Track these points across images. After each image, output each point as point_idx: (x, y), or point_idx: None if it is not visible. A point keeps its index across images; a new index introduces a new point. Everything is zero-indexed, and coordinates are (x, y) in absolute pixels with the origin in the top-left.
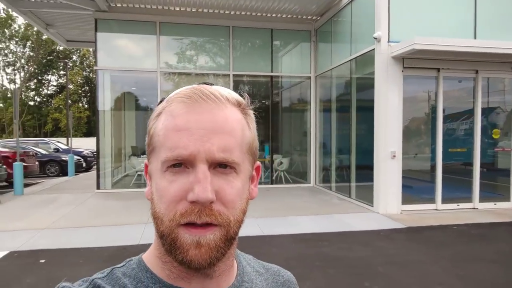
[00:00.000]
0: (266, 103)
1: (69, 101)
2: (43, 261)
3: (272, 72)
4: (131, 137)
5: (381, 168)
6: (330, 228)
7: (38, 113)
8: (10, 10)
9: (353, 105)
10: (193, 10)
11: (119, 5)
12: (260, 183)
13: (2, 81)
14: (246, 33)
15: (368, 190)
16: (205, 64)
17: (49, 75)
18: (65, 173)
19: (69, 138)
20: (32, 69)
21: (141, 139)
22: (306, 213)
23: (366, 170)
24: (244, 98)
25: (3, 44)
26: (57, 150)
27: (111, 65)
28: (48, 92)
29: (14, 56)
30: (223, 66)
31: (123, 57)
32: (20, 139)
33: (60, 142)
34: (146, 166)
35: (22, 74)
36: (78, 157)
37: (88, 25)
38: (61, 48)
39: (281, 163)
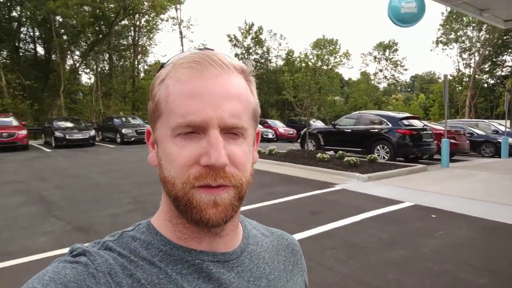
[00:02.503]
0: None
1: None
2: (434, 216)
3: None
4: None
5: None
6: None
7: (491, 95)
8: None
9: None
10: None
11: None
12: None
13: (458, 66)
14: None
15: None
16: None
17: (504, 56)
18: (500, 155)
19: (506, 121)
20: (487, 51)
21: None
22: None
23: None
24: (247, 66)
25: (461, 31)
26: (496, 132)
27: None
28: (502, 74)
29: (470, 41)
30: None
31: None
32: (462, 119)
33: (501, 124)
34: (149, 133)
35: (476, 57)
36: None
37: None
38: None
39: None
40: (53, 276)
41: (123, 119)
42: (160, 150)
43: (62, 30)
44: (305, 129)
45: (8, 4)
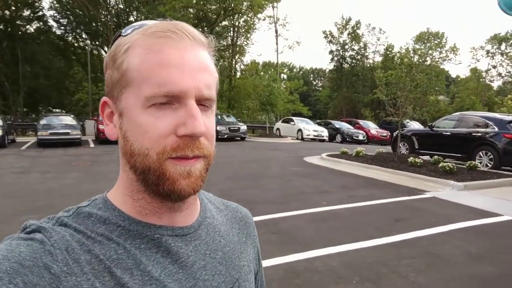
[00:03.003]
0: None
1: None
2: None
3: None
4: None
5: None
6: None
7: None
8: None
9: None
10: None
11: None
12: None
13: None
14: None
15: None
16: None
17: None
18: None
19: None
20: None
21: None
22: None
23: None
24: (209, 40)
25: None
26: None
27: None
28: None
29: None
30: None
31: None
32: None
33: None
34: (105, 104)
35: None
36: None
37: None
38: None
39: None
40: (6, 254)
41: (218, 116)
42: (126, 122)
43: None
44: (397, 131)
45: (127, 10)
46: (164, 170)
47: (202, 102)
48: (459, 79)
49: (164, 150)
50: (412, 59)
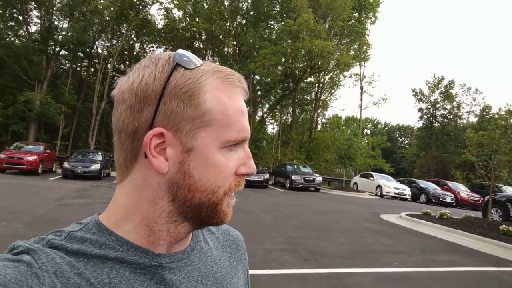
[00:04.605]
0: None
1: None
2: None
3: None
4: None
5: None
6: None
7: None
8: None
9: None
10: None
11: None
12: None
13: None
14: None
15: None
16: None
17: None
18: None
19: None
20: None
21: None
22: None
23: None
24: None
25: None
26: None
27: None
28: None
29: None
30: None
31: None
32: None
33: None
34: (161, 136)
35: None
36: None
37: None
38: None
39: None
40: None
41: (295, 166)
42: (197, 159)
43: (258, 87)
44: (489, 195)
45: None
46: (221, 205)
47: None
48: None
49: (229, 187)
50: (509, 120)
